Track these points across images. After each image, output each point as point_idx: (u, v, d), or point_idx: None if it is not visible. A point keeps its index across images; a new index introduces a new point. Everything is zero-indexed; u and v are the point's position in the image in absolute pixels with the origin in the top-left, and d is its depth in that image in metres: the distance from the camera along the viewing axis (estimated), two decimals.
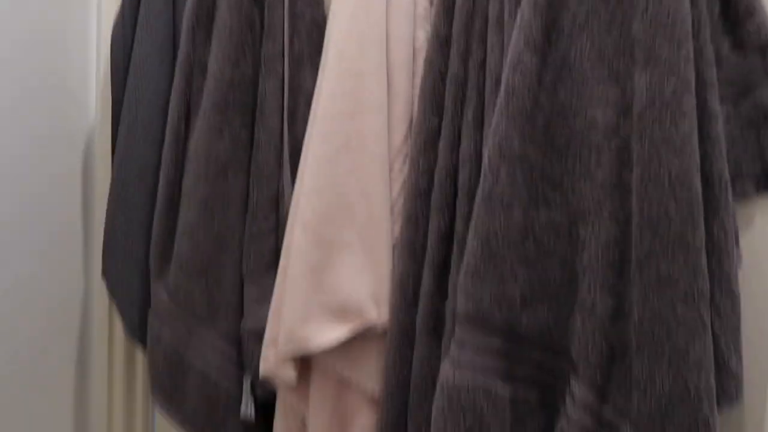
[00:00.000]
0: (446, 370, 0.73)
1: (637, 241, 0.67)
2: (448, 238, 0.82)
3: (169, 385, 1.09)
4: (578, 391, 0.70)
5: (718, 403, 0.68)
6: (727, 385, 0.69)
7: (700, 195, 0.67)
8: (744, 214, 0.77)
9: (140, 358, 1.30)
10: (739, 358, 0.70)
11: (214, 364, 1.05)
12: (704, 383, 0.65)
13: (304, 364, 0.97)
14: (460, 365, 0.72)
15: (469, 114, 0.80)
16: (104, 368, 1.30)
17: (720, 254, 0.69)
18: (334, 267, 0.91)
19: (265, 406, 1.05)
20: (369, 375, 0.93)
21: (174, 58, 1.10)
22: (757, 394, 0.75)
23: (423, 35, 0.92)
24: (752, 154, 0.75)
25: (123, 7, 1.15)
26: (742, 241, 0.75)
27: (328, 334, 0.90)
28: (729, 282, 0.69)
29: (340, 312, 0.90)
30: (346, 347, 0.93)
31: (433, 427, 0.74)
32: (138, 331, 1.15)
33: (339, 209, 0.91)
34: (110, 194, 1.16)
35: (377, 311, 0.90)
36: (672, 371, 0.65)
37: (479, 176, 0.75)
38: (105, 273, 1.18)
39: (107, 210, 1.17)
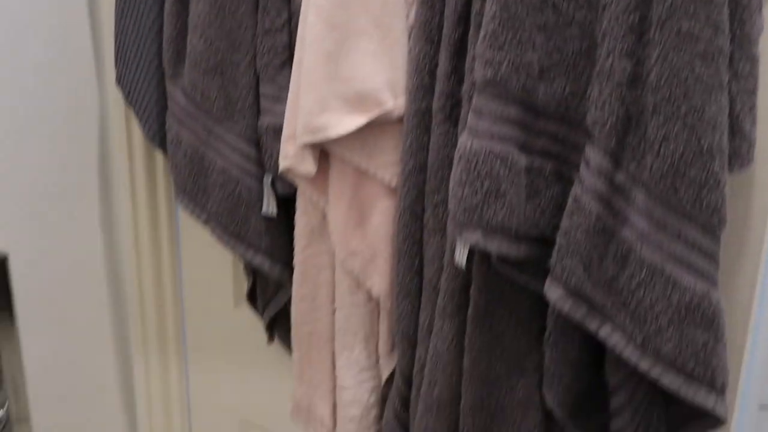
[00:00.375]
0: (464, 140, 0.74)
1: None
2: (464, 17, 0.81)
3: (192, 185, 1.12)
4: (593, 157, 0.72)
5: (730, 163, 0.70)
6: (740, 146, 0.70)
7: None
8: None
9: (160, 163, 1.33)
10: (753, 121, 0.70)
11: (235, 163, 1.07)
12: (717, 141, 0.66)
13: (322, 157, 0.99)
14: (478, 134, 0.74)
15: None
16: (126, 175, 1.33)
17: (742, 15, 0.69)
18: (350, 54, 0.90)
19: (286, 203, 1.08)
20: (386, 164, 0.95)
21: None
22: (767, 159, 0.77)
23: None
24: None
25: None
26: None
27: (345, 122, 0.91)
28: (750, 44, 0.69)
29: (357, 100, 0.91)
30: (362, 137, 0.94)
31: (451, 198, 0.76)
32: (157, 135, 1.16)
33: None
34: None
35: (393, 98, 0.91)
36: (686, 130, 0.66)
37: None
38: (119, 80, 1.18)
39: (115, 15, 1.16)
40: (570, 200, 0.73)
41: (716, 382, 0.70)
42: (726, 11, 0.65)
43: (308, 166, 0.96)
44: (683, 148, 0.67)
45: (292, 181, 1.02)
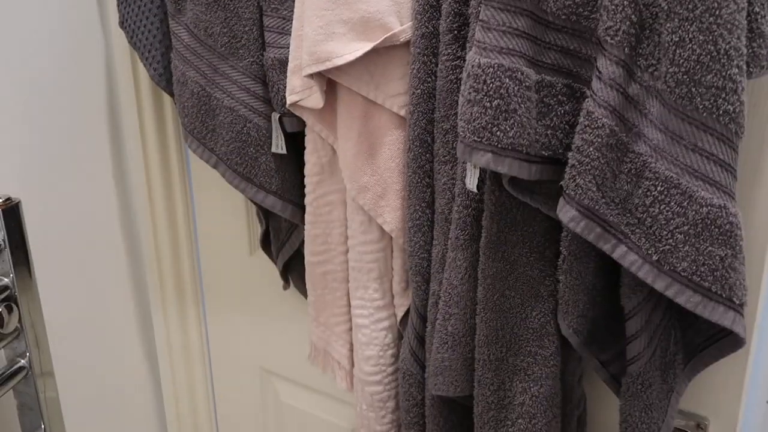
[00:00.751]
0: (472, 56, 0.71)
1: None
2: None
3: (200, 126, 1.10)
4: (605, 68, 0.68)
5: (748, 68, 0.66)
6: (759, 49, 0.66)
7: None
8: None
9: (169, 109, 1.31)
10: None
11: (242, 101, 1.05)
12: (735, 43, 0.62)
13: (330, 91, 0.96)
14: (486, 48, 0.70)
15: None
16: (135, 122, 1.32)
17: None
18: None
19: (296, 141, 1.06)
20: (395, 93, 0.92)
21: None
22: None
23: None
24: None
25: None
26: None
27: (352, 49, 0.88)
28: None
29: (362, 25, 0.88)
30: (370, 67, 0.92)
31: (460, 118, 0.73)
32: (163, 77, 1.14)
33: None
34: None
35: (399, 22, 0.88)
36: (702, 32, 0.63)
37: None
38: (122, 23, 1.16)
39: None
40: (582, 115, 0.70)
41: (735, 299, 0.67)
42: None
43: (316, 98, 0.94)
44: (699, 51, 0.63)
45: (301, 116, 1.00)
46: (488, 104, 0.70)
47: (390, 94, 0.93)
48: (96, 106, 1.30)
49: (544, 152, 0.74)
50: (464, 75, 0.72)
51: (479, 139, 0.72)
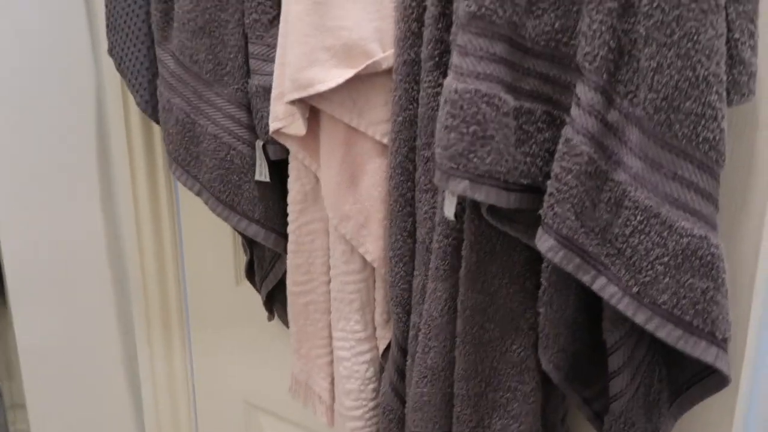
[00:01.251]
0: (449, 81, 0.70)
1: None
2: None
3: (185, 154, 1.09)
4: (584, 94, 0.67)
5: (728, 95, 0.65)
6: (739, 76, 0.65)
7: None
8: None
9: (158, 138, 1.31)
10: (754, 49, 0.65)
11: (226, 128, 1.05)
12: (713, 69, 0.61)
13: (313, 118, 0.95)
14: (463, 74, 0.69)
15: None
16: (124, 151, 1.31)
17: None
18: (336, 3, 0.87)
19: (280, 169, 1.05)
20: (377, 121, 0.91)
21: None
22: None
23: None
24: None
25: None
26: None
27: (334, 76, 0.88)
28: None
29: (345, 52, 0.87)
30: (353, 93, 0.91)
31: (437, 145, 0.71)
32: (149, 104, 1.14)
33: None
34: None
35: (382, 48, 0.87)
36: (680, 58, 0.61)
37: None
38: (111, 50, 1.16)
39: None
40: (561, 142, 0.69)
41: (717, 333, 0.65)
42: None
43: (298, 125, 0.93)
44: (678, 77, 0.62)
45: (284, 143, 0.99)
46: (465, 130, 0.69)
47: (373, 122, 0.91)
48: (85, 132, 1.30)
49: (523, 180, 0.72)
50: (441, 101, 0.71)
51: (456, 166, 0.70)
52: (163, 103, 1.09)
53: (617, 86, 0.67)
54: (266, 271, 1.15)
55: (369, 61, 0.87)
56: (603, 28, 0.65)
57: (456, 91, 0.69)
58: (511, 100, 0.70)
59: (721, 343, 0.66)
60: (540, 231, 0.70)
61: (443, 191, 0.79)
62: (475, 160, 0.69)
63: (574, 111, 0.68)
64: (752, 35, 0.65)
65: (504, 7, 0.68)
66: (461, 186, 0.70)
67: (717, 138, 0.63)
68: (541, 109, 0.72)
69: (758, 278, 0.79)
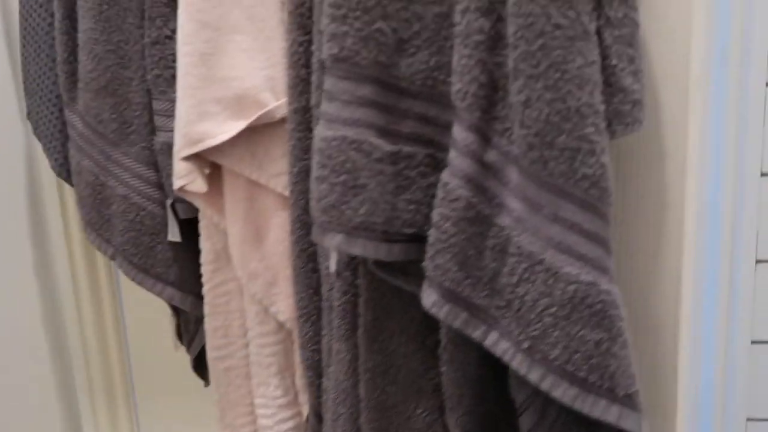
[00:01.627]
0: (318, 129, 0.65)
1: None
2: None
3: (97, 216, 1.04)
4: (458, 134, 0.62)
5: (610, 126, 0.59)
6: (621, 105, 0.59)
7: None
8: None
9: None
10: (636, 74, 0.60)
11: (135, 188, 1.00)
12: (586, 100, 0.56)
13: (217, 172, 0.91)
14: (330, 120, 0.64)
15: None
16: (58, 215, 1.27)
17: None
18: (225, 53, 0.83)
19: (193, 228, 1.00)
20: (278, 173, 0.86)
21: None
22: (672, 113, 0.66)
23: None
24: None
25: None
26: None
27: (226, 128, 0.83)
28: None
29: (236, 103, 0.83)
30: (252, 146, 0.86)
31: (311, 195, 0.66)
32: (63, 168, 1.10)
33: None
34: (19, 25, 1.09)
35: (274, 97, 0.83)
36: (549, 90, 0.56)
37: None
38: (28, 114, 1.12)
39: (20, 44, 1.10)
40: (439, 187, 0.63)
41: (617, 391, 0.58)
42: None
43: (199, 182, 0.88)
44: (548, 111, 0.57)
45: (191, 201, 0.94)
46: (335, 180, 0.64)
47: (273, 174, 0.87)
48: (17, 205, 1.25)
49: (406, 230, 0.67)
50: (313, 150, 0.66)
51: (329, 219, 0.65)
52: (74, 165, 1.05)
53: (493, 124, 0.61)
54: (191, 334, 1.09)
55: (261, 111, 0.83)
56: (471, 63, 0.60)
57: (324, 139, 0.64)
58: (385, 145, 0.65)
59: (624, 400, 0.59)
60: (424, 284, 0.64)
61: None
62: (347, 211, 0.64)
63: (451, 153, 0.63)
64: (632, 60, 0.59)
65: (368, 48, 0.63)
66: (336, 240, 0.65)
67: (598, 174, 0.57)
68: (423, 153, 0.67)
69: (682, 321, 0.73)
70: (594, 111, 0.56)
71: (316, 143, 0.65)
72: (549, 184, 0.58)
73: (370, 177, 0.64)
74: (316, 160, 0.65)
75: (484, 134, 0.61)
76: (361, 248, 0.65)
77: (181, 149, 0.85)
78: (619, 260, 0.73)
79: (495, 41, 0.60)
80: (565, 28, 0.55)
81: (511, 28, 0.58)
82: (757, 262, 0.72)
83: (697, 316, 0.73)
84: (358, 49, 0.63)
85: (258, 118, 0.83)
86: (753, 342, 0.75)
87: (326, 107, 0.64)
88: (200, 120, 0.83)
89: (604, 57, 0.58)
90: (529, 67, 0.57)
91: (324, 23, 0.64)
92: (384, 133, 0.65)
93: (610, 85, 0.59)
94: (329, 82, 0.64)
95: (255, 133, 0.85)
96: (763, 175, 0.70)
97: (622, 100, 0.59)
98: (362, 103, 0.64)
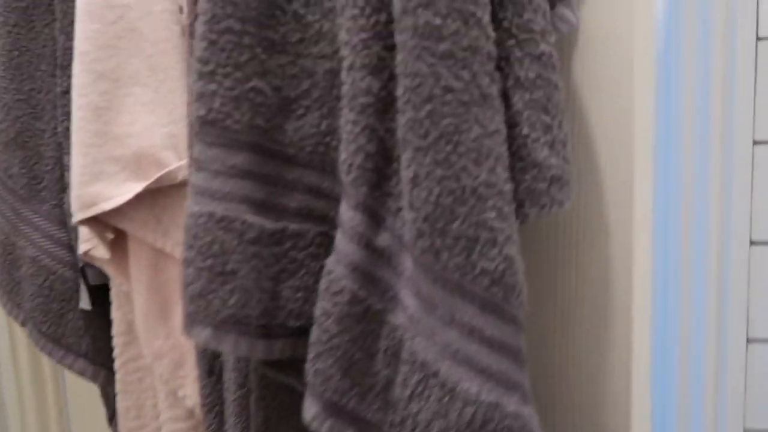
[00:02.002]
0: (188, 203, 0.55)
1: None
2: None
3: (8, 279, 0.96)
4: (345, 214, 0.51)
5: (521, 208, 0.49)
6: (534, 183, 0.49)
7: None
8: None
9: None
10: (553, 145, 0.49)
11: (46, 250, 0.91)
12: (485, 177, 0.45)
13: (126, 236, 0.81)
14: (199, 192, 0.54)
15: None
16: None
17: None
18: (122, 107, 0.74)
19: (106, 294, 0.90)
20: (179, 240, 0.76)
21: None
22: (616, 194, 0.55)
23: None
24: None
25: None
26: None
27: (122, 191, 0.74)
28: (532, 39, 0.48)
29: (135, 163, 0.74)
30: (156, 211, 0.77)
31: (183, 274, 0.56)
32: None
33: (119, 34, 0.73)
34: None
35: (177, 156, 0.73)
36: (440, 165, 0.46)
37: None
38: None
39: None
40: (323, 275, 0.53)
41: None
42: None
43: (99, 248, 0.79)
44: (438, 190, 0.46)
45: (100, 267, 0.84)
46: (201, 265, 0.54)
47: (179, 242, 0.76)
48: None
49: (292, 323, 0.56)
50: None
51: (196, 310, 0.54)
52: None
53: (386, 201, 0.51)
54: (112, 410, 0.99)
55: (162, 172, 0.73)
56: (357, 130, 0.50)
57: (191, 215, 0.54)
58: (266, 223, 0.55)
59: None
60: (306, 393, 0.53)
61: None
62: (215, 302, 0.54)
63: (338, 235, 0.52)
64: (548, 129, 0.49)
65: (241, 110, 0.53)
66: (204, 335, 0.54)
67: (501, 268, 0.46)
68: (315, 231, 0.56)
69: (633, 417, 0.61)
70: (496, 191, 0.46)
71: (185, 220, 0.55)
72: (443, 279, 0.47)
73: (241, 262, 0.53)
74: (183, 239, 0.55)
75: (374, 213, 0.51)
76: (231, 345, 0.54)
77: (75, 212, 0.76)
78: (563, 360, 0.63)
79: (386, 104, 0.50)
80: (458, 91, 0.45)
81: (399, 90, 0.47)
82: None
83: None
84: (228, 111, 0.53)
85: (158, 180, 0.73)
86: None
87: (194, 178, 0.55)
88: (95, 181, 0.74)
89: (513, 125, 0.48)
90: (416, 138, 0.46)
91: (191, 80, 0.54)
92: (264, 208, 0.55)
93: (521, 159, 0.48)
94: (197, 149, 0.54)
95: (160, 195, 0.76)
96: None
97: (536, 177, 0.49)
98: (234, 174, 0.54)
